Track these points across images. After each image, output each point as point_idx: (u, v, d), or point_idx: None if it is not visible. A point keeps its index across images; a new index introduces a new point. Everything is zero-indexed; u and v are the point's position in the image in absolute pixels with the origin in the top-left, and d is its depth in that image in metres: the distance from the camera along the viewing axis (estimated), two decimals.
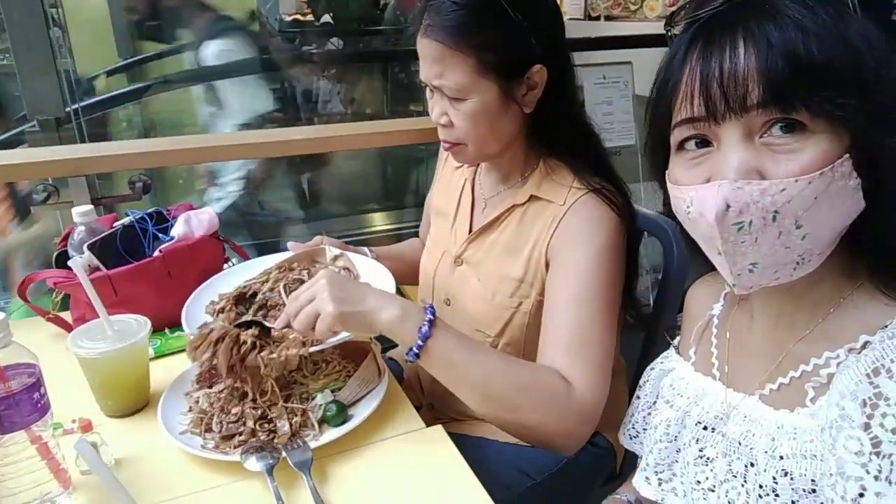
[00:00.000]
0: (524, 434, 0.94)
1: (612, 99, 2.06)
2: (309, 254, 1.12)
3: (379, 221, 3.42)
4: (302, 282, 1.03)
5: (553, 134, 1.03)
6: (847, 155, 0.55)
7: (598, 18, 3.95)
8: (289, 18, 4.00)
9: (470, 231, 1.12)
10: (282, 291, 1.02)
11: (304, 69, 3.59)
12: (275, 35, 3.83)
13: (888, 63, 0.57)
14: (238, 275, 1.10)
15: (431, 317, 0.86)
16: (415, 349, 0.85)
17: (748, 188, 0.56)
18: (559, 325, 0.95)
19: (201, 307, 1.04)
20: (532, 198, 1.03)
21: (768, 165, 0.56)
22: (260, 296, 1.02)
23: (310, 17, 4.03)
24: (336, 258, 1.12)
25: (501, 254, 1.06)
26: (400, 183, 3.57)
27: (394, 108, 3.68)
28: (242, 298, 1.03)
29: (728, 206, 0.56)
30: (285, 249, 1.14)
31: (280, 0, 3.98)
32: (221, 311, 1.01)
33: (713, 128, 0.59)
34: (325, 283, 0.86)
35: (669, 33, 0.64)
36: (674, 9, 0.64)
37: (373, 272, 1.08)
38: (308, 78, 3.61)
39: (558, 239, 0.99)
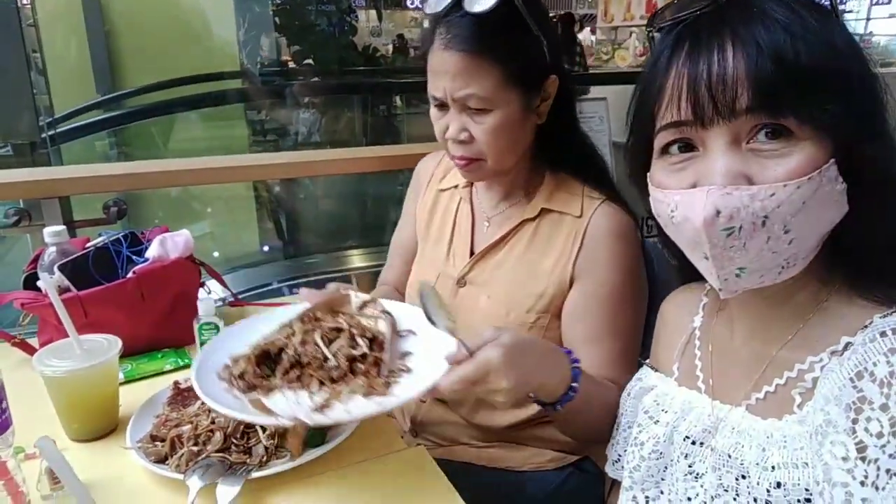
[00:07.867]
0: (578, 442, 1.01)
1: (588, 134, 2.09)
2: (328, 303, 0.94)
3: (357, 261, 3.39)
4: (340, 330, 0.87)
5: (559, 146, 1.04)
6: (833, 160, 0.55)
7: None
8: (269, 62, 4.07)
9: (472, 251, 1.10)
10: (319, 342, 0.85)
11: (284, 107, 3.64)
12: (255, 78, 3.88)
13: (869, 71, 0.58)
14: (244, 333, 0.92)
15: (578, 371, 0.83)
16: (559, 407, 0.83)
17: (737, 193, 0.55)
18: (605, 348, 0.98)
19: (211, 373, 0.86)
20: (543, 211, 1.03)
21: (756, 171, 0.56)
22: (290, 352, 0.85)
23: (290, 61, 4.10)
24: (365, 304, 0.95)
25: (515, 270, 1.03)
26: (378, 222, 3.58)
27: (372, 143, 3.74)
28: (266, 357, 0.86)
29: (718, 212, 0.56)
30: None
31: (260, 43, 4.05)
32: (241, 376, 0.83)
33: (699, 132, 0.58)
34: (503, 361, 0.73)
35: (651, 34, 0.64)
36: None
37: (405, 313, 0.96)
38: (288, 116, 3.65)
39: (585, 258, 0.98)
